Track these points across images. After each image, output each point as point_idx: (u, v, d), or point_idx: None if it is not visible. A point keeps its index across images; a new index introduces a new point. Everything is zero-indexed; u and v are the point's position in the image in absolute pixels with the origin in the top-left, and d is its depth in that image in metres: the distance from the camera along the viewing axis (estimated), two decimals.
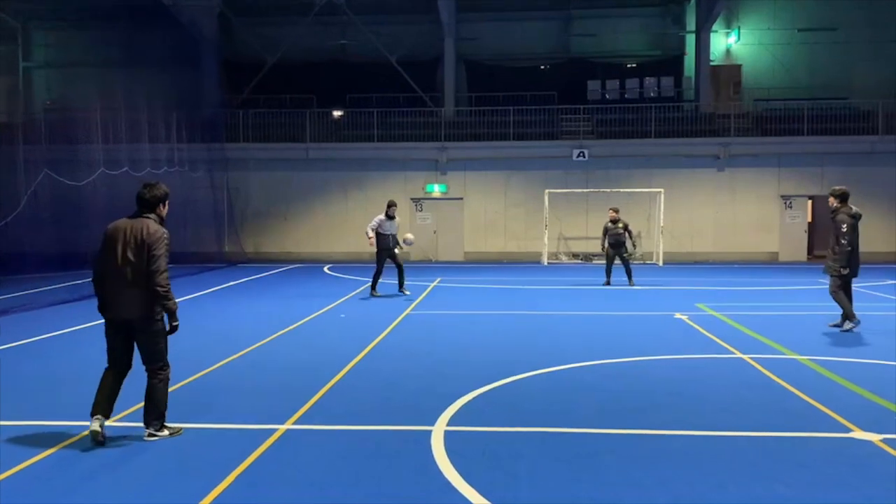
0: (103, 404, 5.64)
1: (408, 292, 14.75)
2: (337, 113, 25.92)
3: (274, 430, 5.99)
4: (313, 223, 24.84)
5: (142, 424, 5.79)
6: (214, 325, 11.47)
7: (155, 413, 5.72)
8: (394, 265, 14.79)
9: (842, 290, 10.44)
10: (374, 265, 14.96)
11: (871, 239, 23.42)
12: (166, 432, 5.77)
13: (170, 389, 5.90)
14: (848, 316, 10.44)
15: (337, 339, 10.19)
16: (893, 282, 17.37)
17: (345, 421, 6.28)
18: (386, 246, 14.50)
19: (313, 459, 5.40)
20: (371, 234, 14.48)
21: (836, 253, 10.32)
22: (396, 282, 14.95)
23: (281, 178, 24.74)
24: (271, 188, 24.79)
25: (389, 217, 14.55)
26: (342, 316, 12.33)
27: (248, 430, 6.05)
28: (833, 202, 10.43)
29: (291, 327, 11.08)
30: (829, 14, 26.18)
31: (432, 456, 5.39)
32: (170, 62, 22.27)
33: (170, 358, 5.84)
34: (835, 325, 10.62)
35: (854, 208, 10.37)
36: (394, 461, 5.34)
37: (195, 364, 8.29)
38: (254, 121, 24.96)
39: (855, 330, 10.39)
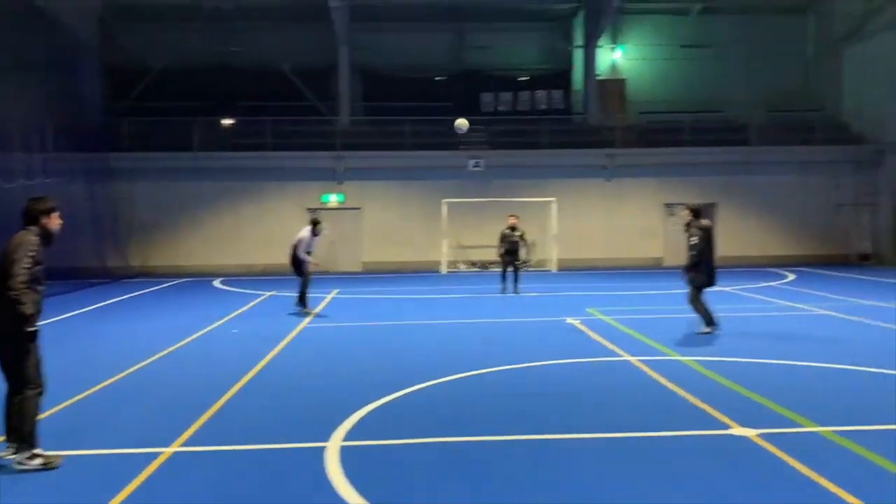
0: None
1: (305, 309, 14.09)
2: (227, 121, 25.21)
3: (159, 454, 5.71)
4: (203, 235, 24.01)
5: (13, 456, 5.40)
6: (95, 345, 10.87)
7: (16, 434, 5.35)
8: (301, 279, 13.76)
9: (699, 299, 10.95)
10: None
11: (746, 244, 25.01)
12: (38, 461, 5.39)
13: (45, 415, 5.53)
14: (707, 321, 10.93)
15: (228, 356, 9.86)
16: (766, 284, 18.51)
17: (235, 441, 6.06)
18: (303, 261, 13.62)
19: (201, 483, 5.18)
20: (312, 259, 13.63)
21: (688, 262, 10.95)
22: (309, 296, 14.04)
23: (168, 188, 23.79)
24: (158, 199, 23.80)
25: (316, 234, 13.75)
26: (234, 331, 11.95)
27: (131, 454, 5.75)
28: (687, 216, 11.07)
29: (180, 345, 10.64)
30: (706, 32, 27.73)
31: (326, 473, 5.29)
32: (43, 67, 21.02)
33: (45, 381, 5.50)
34: (700, 333, 11.06)
35: (704, 222, 10.99)
36: (287, 481, 5.20)
37: (73, 387, 7.81)
38: (139, 129, 23.93)
39: (715, 332, 10.87)
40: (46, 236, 5.56)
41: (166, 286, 19.89)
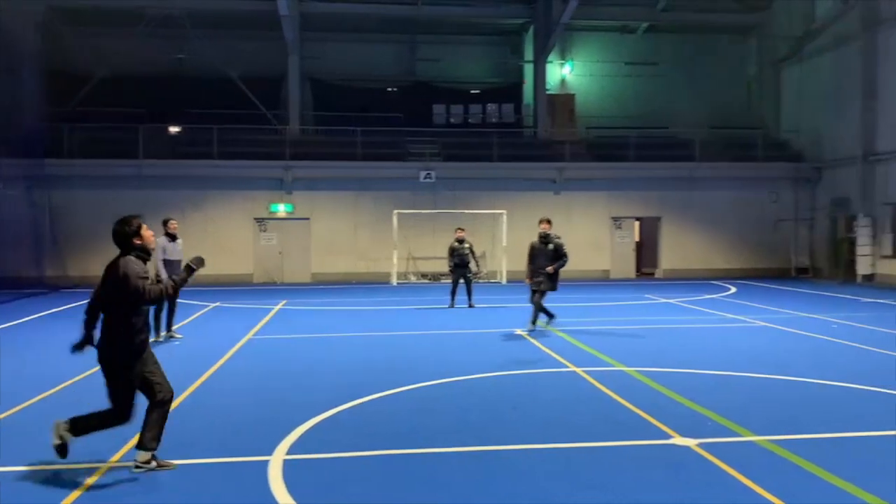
0: None
1: (179, 335, 12.03)
2: (173, 129, 24.74)
3: (96, 469, 5.55)
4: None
5: None
6: (27, 359, 10.49)
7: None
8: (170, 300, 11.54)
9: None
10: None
11: (689, 257, 25.61)
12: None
13: None
14: (533, 320, 12.47)
15: (169, 368, 9.55)
16: (708, 296, 18.95)
17: (175, 455, 5.90)
18: (172, 276, 11.97)
19: (139, 498, 5.05)
20: (164, 271, 11.34)
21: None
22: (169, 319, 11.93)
23: (111, 196, 23.15)
24: (100, 207, 23.08)
25: (172, 237, 11.66)
26: (175, 343, 11.68)
27: (66, 469, 5.57)
28: (547, 227, 12.57)
29: None
30: (651, 50, 28.45)
31: (269, 487, 5.20)
32: None
33: None
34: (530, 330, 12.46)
35: (542, 233, 12.46)
36: (227, 496, 5.10)
37: (6, 401, 7.53)
38: (81, 136, 23.30)
39: (546, 327, 12.50)
40: None
41: None
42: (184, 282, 5.67)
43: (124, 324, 5.43)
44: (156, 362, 5.71)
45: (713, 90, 28.22)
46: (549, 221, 12.61)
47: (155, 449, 5.52)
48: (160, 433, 5.54)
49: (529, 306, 13.00)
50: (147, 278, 5.44)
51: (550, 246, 12.30)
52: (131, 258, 5.50)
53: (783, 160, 25.86)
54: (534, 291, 12.40)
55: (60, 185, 22.56)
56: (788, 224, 25.62)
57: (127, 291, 5.35)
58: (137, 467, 5.47)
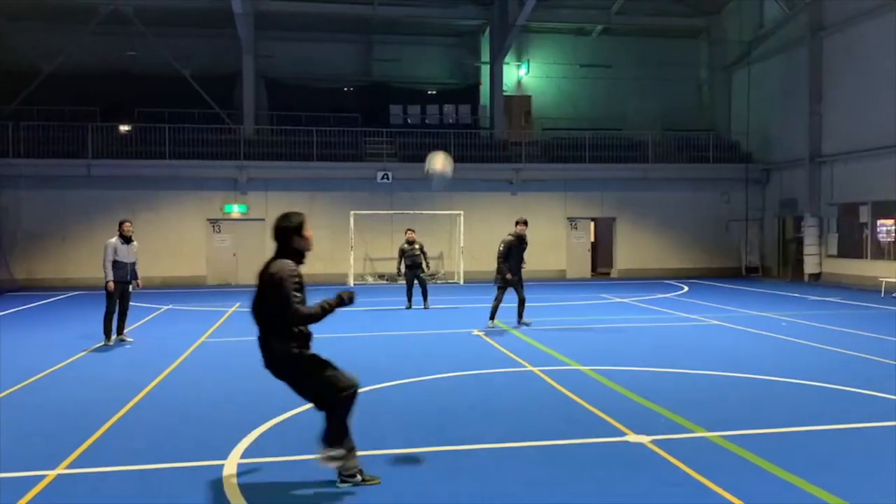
0: None
1: (130, 339, 11.78)
2: (124, 127, 24.19)
3: (42, 477, 5.39)
4: (96, 245, 22.70)
5: None
6: None
7: None
8: (123, 305, 11.55)
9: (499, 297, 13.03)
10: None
11: (643, 257, 26.01)
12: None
13: None
14: (491, 316, 13.03)
15: (121, 372, 9.42)
16: (662, 296, 19.27)
17: (127, 461, 5.79)
18: (123, 279, 11.29)
19: None
20: (111, 273, 11.12)
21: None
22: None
23: (58, 196, 22.61)
24: (47, 207, 22.57)
25: (126, 240, 11.37)
26: (127, 347, 11.43)
27: (9, 478, 5.39)
28: (523, 229, 13.13)
29: (68, 361, 10.09)
30: (606, 52, 28.81)
31: (223, 491, 5.12)
32: None
33: None
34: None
35: (518, 230, 13.00)
36: (181, 501, 5.00)
37: None
38: (26, 134, 22.63)
39: (491, 327, 12.90)
40: None
41: (55, 299, 18.85)
42: (332, 310, 4.94)
43: (286, 327, 4.94)
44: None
45: (666, 92, 28.72)
46: (525, 223, 13.15)
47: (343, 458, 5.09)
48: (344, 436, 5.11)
49: (488, 307, 13.13)
50: (302, 290, 4.91)
51: (524, 246, 13.09)
52: (288, 262, 4.97)
53: (734, 162, 26.42)
54: (503, 288, 13.05)
55: (5, 186, 21.95)
56: (739, 224, 26.19)
57: (278, 295, 4.83)
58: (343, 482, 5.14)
